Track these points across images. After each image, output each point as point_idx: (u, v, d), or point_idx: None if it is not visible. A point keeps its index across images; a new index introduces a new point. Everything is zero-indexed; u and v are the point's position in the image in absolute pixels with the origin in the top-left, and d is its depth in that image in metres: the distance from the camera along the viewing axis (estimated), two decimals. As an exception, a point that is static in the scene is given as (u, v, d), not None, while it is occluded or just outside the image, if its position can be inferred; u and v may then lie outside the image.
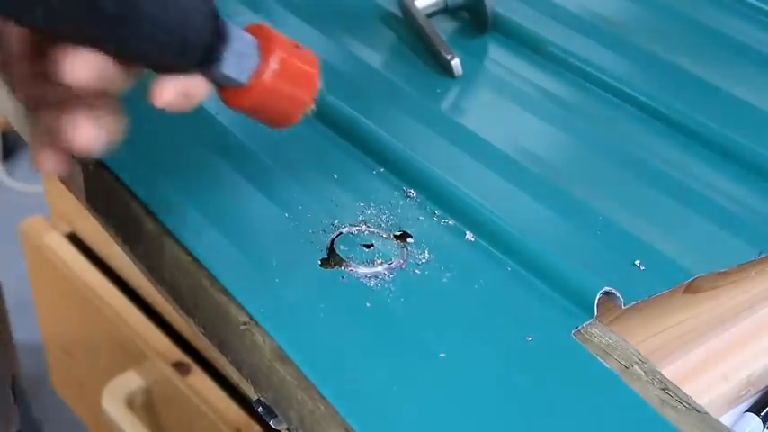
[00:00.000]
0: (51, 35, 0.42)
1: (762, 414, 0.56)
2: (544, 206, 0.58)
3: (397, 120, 0.65)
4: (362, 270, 0.53)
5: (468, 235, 0.56)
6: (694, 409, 0.47)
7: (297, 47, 0.47)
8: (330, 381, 0.47)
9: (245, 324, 0.50)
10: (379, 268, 0.53)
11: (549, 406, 0.47)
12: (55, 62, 0.42)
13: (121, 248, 0.59)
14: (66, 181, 0.64)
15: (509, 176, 0.60)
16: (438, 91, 0.69)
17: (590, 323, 0.51)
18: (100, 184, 0.59)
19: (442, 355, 0.48)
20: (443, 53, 0.71)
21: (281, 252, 0.53)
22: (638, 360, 0.49)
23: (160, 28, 0.42)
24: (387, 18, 0.77)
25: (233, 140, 0.61)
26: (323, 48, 0.72)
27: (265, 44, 0.46)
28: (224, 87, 0.47)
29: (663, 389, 0.48)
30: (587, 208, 0.58)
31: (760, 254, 0.57)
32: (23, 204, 1.69)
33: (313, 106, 0.49)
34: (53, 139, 0.46)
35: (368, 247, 0.54)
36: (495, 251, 0.55)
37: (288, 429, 0.50)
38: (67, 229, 1.20)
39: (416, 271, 0.53)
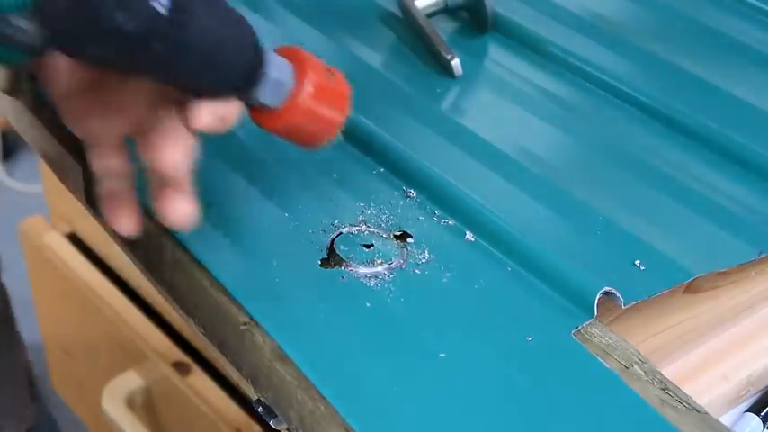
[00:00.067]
0: (105, 69, 0.44)
1: (762, 414, 0.56)
2: (544, 206, 0.58)
3: (397, 120, 0.65)
4: (362, 270, 0.53)
5: (468, 235, 0.56)
6: (694, 409, 0.47)
7: (329, 70, 0.48)
8: (330, 381, 0.47)
9: (245, 324, 0.50)
10: (379, 268, 0.53)
11: (549, 406, 0.47)
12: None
13: (121, 248, 0.59)
14: (66, 181, 0.64)
15: (509, 176, 0.60)
16: (438, 91, 0.69)
17: (590, 323, 0.51)
18: (100, 184, 0.59)
19: (441, 355, 0.48)
20: (443, 53, 0.71)
21: (281, 252, 0.53)
22: (638, 360, 0.49)
23: (207, 64, 0.43)
24: (387, 18, 0.77)
25: (233, 140, 0.61)
26: (323, 48, 0.72)
27: (299, 68, 0.47)
28: (256, 109, 0.47)
29: (663, 389, 0.48)
30: (587, 208, 0.58)
31: (760, 254, 0.57)
32: (23, 204, 1.69)
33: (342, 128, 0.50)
34: (125, 196, 0.49)
35: (368, 247, 0.54)
36: (495, 251, 0.55)
37: (288, 429, 0.50)
38: (67, 229, 1.20)
39: (416, 271, 0.53)
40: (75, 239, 1.19)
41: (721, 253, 0.57)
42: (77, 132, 0.49)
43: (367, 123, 0.63)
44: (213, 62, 0.43)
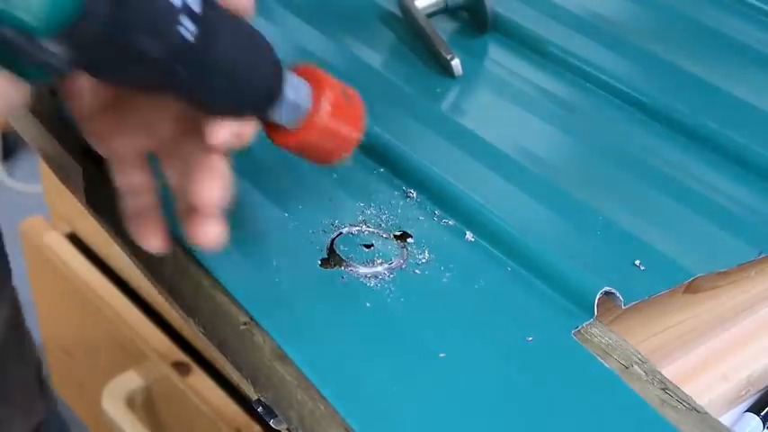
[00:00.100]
0: (130, 89, 0.45)
1: (762, 414, 0.56)
2: (544, 206, 0.58)
3: (396, 120, 0.65)
4: (362, 270, 0.53)
5: (468, 235, 0.56)
6: (694, 409, 0.47)
7: (345, 89, 0.49)
8: (330, 381, 0.47)
9: (245, 324, 0.50)
10: (379, 268, 0.53)
11: (549, 406, 0.47)
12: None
13: (121, 248, 0.59)
14: (66, 181, 0.64)
15: (509, 176, 0.60)
16: (438, 91, 0.69)
17: (590, 323, 0.51)
18: (100, 184, 0.59)
19: (442, 355, 0.48)
20: (443, 53, 0.71)
21: (281, 252, 0.53)
22: (638, 360, 0.49)
23: (229, 87, 0.44)
24: (387, 18, 0.77)
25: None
26: (323, 48, 0.72)
27: (316, 87, 0.48)
28: (271, 126, 0.48)
29: (663, 389, 0.48)
30: (587, 208, 0.58)
31: (760, 254, 0.57)
32: (23, 204, 1.69)
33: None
34: (150, 213, 0.49)
35: (368, 247, 0.54)
36: (495, 251, 0.55)
37: (288, 429, 0.50)
38: (67, 229, 1.20)
39: (416, 271, 0.53)
40: (75, 239, 1.19)
41: (721, 253, 0.57)
42: (100, 150, 0.50)
43: (367, 123, 0.63)
44: (235, 85, 0.44)
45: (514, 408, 0.46)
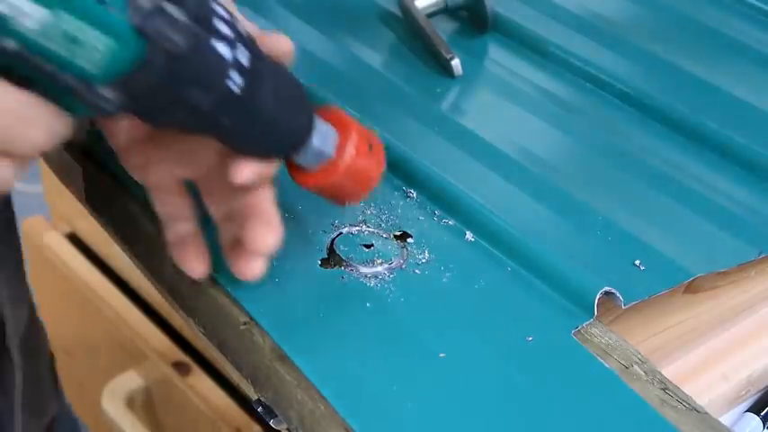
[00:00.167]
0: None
1: (762, 414, 0.56)
2: (544, 206, 0.58)
3: (396, 120, 0.65)
4: (362, 270, 0.53)
5: (468, 235, 0.56)
6: (694, 409, 0.47)
7: (370, 136, 0.49)
8: (330, 381, 0.47)
9: (245, 324, 0.50)
10: (379, 268, 0.53)
11: (549, 406, 0.47)
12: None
13: (121, 248, 0.59)
14: (66, 181, 0.64)
15: (509, 176, 0.60)
16: (438, 91, 0.69)
17: (590, 323, 0.51)
18: (100, 184, 0.59)
19: (442, 355, 0.48)
20: (443, 53, 0.71)
21: (281, 252, 0.53)
22: (638, 360, 0.49)
23: (265, 134, 0.45)
24: (387, 18, 0.77)
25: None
26: (323, 48, 0.72)
27: (342, 133, 0.48)
28: (294, 165, 0.48)
29: (663, 389, 0.48)
30: (587, 208, 0.58)
31: (760, 254, 0.57)
32: (23, 204, 1.69)
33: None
34: (192, 240, 0.50)
35: (368, 247, 0.54)
36: (495, 251, 0.55)
37: (288, 429, 0.50)
38: (67, 229, 1.20)
39: (416, 271, 0.53)
40: (75, 239, 1.19)
41: (721, 253, 0.57)
42: (139, 179, 0.51)
43: (367, 123, 0.63)
44: (272, 134, 0.45)
45: (514, 408, 0.46)
